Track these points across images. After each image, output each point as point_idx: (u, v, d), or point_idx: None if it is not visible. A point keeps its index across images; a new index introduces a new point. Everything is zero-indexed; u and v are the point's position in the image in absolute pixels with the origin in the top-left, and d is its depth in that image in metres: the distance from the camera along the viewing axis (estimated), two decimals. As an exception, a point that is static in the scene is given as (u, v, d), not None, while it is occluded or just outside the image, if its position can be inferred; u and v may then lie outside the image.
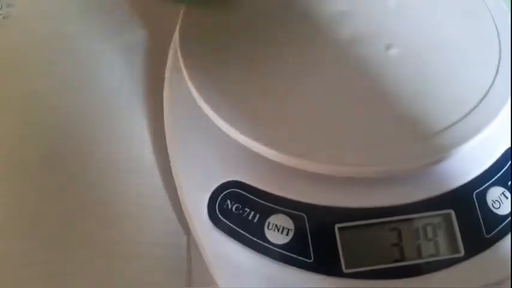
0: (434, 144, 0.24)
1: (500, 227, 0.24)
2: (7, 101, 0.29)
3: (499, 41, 0.27)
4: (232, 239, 0.24)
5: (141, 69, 0.31)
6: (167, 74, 0.29)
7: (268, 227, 0.24)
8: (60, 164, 0.27)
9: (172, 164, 0.26)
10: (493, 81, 0.25)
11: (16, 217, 0.26)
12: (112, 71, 0.31)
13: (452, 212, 0.24)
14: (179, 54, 0.27)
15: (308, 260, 0.23)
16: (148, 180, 0.27)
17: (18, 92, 0.30)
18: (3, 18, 0.33)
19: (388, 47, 0.27)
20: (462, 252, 0.23)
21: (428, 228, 0.24)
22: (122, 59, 0.31)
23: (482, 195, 0.24)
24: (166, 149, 0.27)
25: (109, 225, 0.26)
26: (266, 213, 0.24)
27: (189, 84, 0.26)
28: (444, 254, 0.23)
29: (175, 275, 0.26)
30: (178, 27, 0.28)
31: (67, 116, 0.29)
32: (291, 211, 0.24)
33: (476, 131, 0.24)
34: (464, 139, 0.24)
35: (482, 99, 0.25)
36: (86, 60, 0.31)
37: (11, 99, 0.30)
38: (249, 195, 0.24)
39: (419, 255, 0.23)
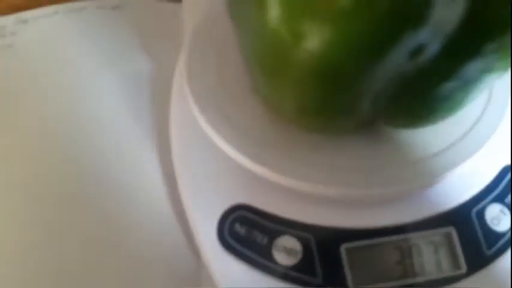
0: (430, 166, 0.24)
1: (500, 243, 0.25)
2: (18, 124, 0.30)
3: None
4: (241, 261, 0.24)
5: (148, 93, 0.32)
6: (173, 97, 0.30)
7: (276, 249, 0.24)
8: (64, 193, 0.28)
9: (180, 188, 0.27)
10: (490, 94, 0.26)
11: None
12: (118, 97, 0.32)
13: (453, 229, 0.25)
14: (184, 76, 0.27)
15: (316, 280, 0.24)
16: (158, 207, 0.28)
17: (27, 119, 0.30)
18: (9, 47, 0.34)
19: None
20: (464, 269, 0.24)
21: (431, 246, 0.25)
22: (127, 86, 0.32)
23: (481, 213, 0.25)
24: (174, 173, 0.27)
25: (117, 251, 0.27)
26: (273, 235, 0.25)
27: (193, 106, 0.26)
28: (447, 271, 0.24)
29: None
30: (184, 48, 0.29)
31: (74, 145, 0.29)
32: (298, 232, 0.25)
33: (472, 152, 0.24)
34: (460, 161, 0.24)
35: (479, 119, 0.26)
36: (91, 88, 0.32)
37: (20, 125, 0.30)
38: (256, 217, 0.25)
39: (423, 272, 0.24)
